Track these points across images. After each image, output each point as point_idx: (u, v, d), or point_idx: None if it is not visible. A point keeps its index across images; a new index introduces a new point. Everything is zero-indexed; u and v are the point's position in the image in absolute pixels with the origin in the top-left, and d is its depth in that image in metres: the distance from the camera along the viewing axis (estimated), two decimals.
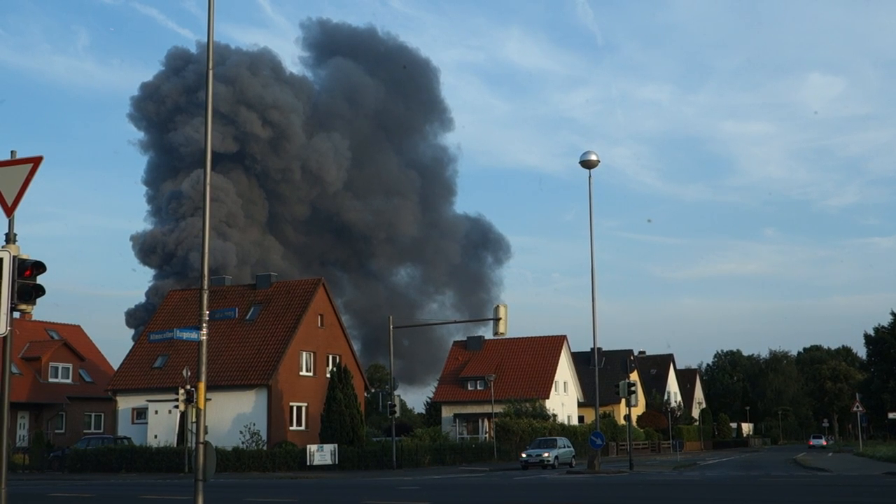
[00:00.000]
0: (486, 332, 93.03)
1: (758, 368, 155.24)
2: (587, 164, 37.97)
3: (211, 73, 17.97)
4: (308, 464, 45.67)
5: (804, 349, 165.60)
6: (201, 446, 16.49)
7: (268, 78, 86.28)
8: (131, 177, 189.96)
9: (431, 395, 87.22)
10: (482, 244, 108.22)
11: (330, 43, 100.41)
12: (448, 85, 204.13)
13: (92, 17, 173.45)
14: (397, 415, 47.63)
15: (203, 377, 16.88)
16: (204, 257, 17.31)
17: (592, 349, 37.98)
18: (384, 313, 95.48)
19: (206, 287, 17.22)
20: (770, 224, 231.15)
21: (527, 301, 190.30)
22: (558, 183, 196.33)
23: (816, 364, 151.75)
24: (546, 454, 49.69)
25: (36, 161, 13.52)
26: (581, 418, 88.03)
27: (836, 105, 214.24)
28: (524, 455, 50.35)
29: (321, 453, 45.93)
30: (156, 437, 53.59)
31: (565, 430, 70.95)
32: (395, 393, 49.36)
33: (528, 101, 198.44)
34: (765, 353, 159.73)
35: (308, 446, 46.44)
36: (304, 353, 57.12)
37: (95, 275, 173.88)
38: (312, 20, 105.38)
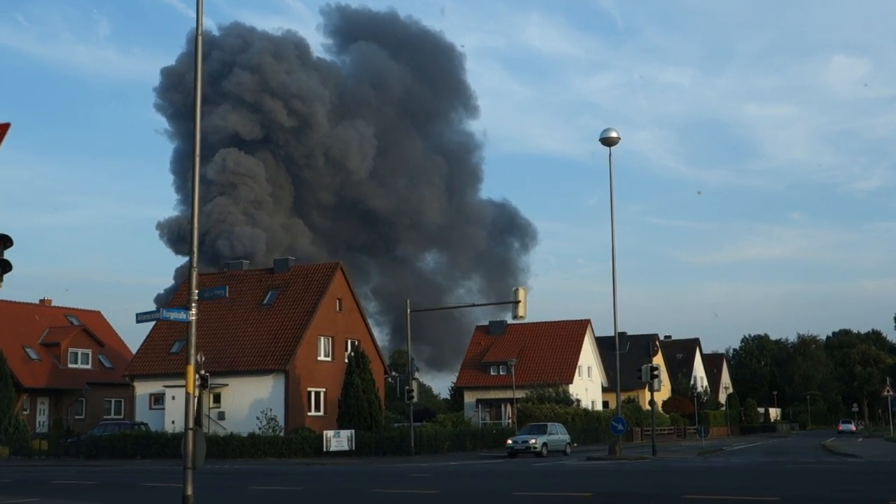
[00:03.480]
0: (509, 317, 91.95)
1: (786, 353, 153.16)
2: (607, 142, 36.83)
3: (199, 64, 17.07)
4: (325, 450, 44.90)
5: (833, 333, 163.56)
6: (190, 433, 15.63)
7: (293, 63, 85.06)
8: (157, 165, 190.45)
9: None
10: (508, 230, 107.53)
11: (351, 29, 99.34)
12: (469, 70, 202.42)
13: (112, 5, 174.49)
14: (415, 400, 46.72)
15: (192, 360, 16.03)
16: (193, 235, 16.45)
17: (615, 332, 36.92)
18: (412, 299, 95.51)
19: (195, 265, 16.37)
20: (796, 208, 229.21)
21: (552, 286, 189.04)
22: (581, 167, 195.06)
23: (845, 348, 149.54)
24: (532, 440, 46.33)
25: (2, 128, 12.61)
26: (606, 403, 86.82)
27: (861, 87, 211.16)
28: (510, 441, 47.25)
29: (338, 439, 45.16)
30: (173, 422, 52.94)
31: (588, 415, 70.08)
32: (415, 378, 48.37)
33: (550, 85, 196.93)
34: (793, 338, 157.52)
35: (325, 432, 45.69)
36: (322, 338, 56.36)
37: (123, 262, 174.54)
38: (332, 6, 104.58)
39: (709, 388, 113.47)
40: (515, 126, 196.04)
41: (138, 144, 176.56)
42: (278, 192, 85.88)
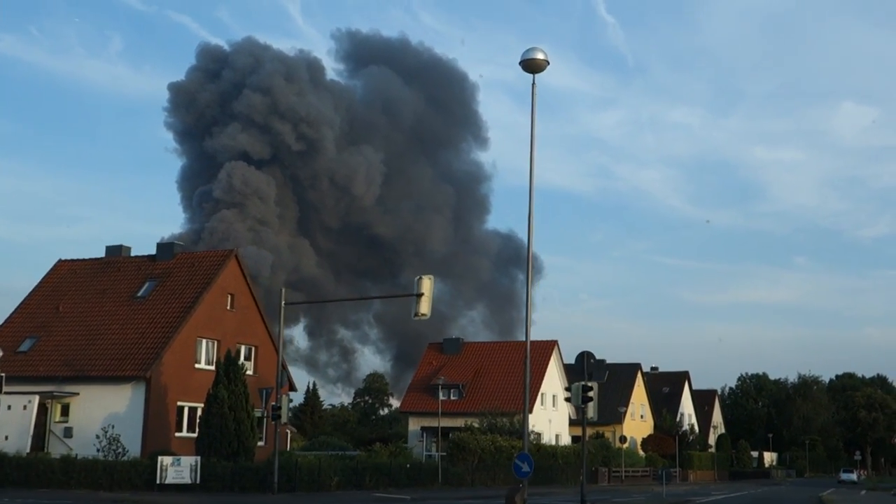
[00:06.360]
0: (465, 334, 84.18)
1: (785, 393, 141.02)
2: (530, 67, 26.21)
3: None
4: (159, 482, 33.99)
5: (836, 376, 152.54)
6: None
7: (304, 85, 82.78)
8: (164, 181, 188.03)
9: None
10: (513, 262, 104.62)
11: (363, 55, 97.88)
12: (480, 101, 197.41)
13: (125, 22, 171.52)
14: (284, 420, 35.76)
15: None
16: None
17: (526, 322, 26.28)
18: (414, 326, 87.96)
19: None
20: (801, 252, 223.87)
21: (555, 321, 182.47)
22: (587, 203, 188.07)
23: (849, 391, 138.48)
24: None
25: None
26: (576, 438, 75.93)
27: (869, 134, 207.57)
28: None
29: (177, 468, 34.21)
30: (6, 438, 42.23)
31: (542, 450, 58.99)
32: (287, 395, 37.46)
33: (558, 120, 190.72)
34: (793, 378, 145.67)
35: (160, 458, 34.64)
36: (204, 341, 45.59)
37: None
38: (343, 31, 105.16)
39: (697, 427, 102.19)
40: (523, 159, 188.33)
41: (147, 161, 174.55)
42: (284, 211, 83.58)
